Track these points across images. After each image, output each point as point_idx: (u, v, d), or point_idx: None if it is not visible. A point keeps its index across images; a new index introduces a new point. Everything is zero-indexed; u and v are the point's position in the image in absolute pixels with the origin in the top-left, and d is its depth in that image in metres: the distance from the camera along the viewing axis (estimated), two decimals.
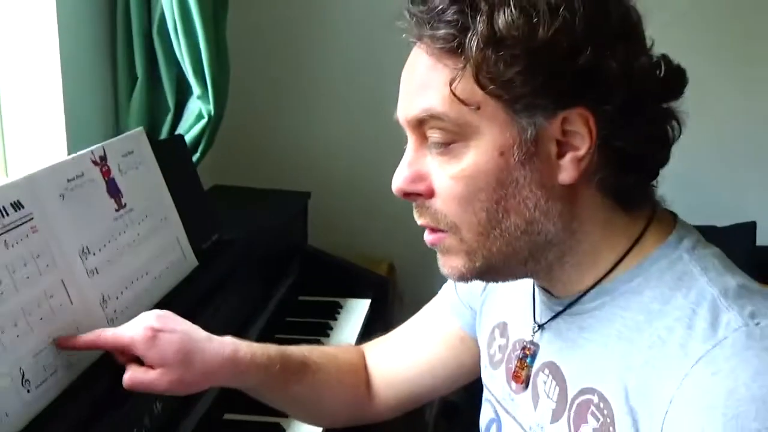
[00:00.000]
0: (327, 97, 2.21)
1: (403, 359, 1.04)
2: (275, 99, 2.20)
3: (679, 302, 0.68)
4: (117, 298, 1.01)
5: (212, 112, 1.61)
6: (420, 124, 0.72)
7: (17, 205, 0.86)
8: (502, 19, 0.65)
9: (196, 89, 1.60)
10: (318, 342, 1.53)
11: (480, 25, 0.66)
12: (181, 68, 1.61)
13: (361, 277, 1.86)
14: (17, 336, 0.82)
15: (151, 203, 1.16)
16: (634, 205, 0.74)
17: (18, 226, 0.86)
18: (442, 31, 0.68)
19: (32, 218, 0.88)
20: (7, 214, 0.84)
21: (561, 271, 0.75)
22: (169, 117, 1.66)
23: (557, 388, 0.77)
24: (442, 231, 0.73)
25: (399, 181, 0.74)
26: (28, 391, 0.81)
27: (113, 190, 1.07)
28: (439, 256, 0.77)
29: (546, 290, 0.80)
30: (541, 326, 0.81)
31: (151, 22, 1.60)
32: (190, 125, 1.64)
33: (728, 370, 0.62)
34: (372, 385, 1.05)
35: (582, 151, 0.68)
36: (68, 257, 0.93)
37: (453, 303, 1.01)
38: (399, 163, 0.75)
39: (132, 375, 0.84)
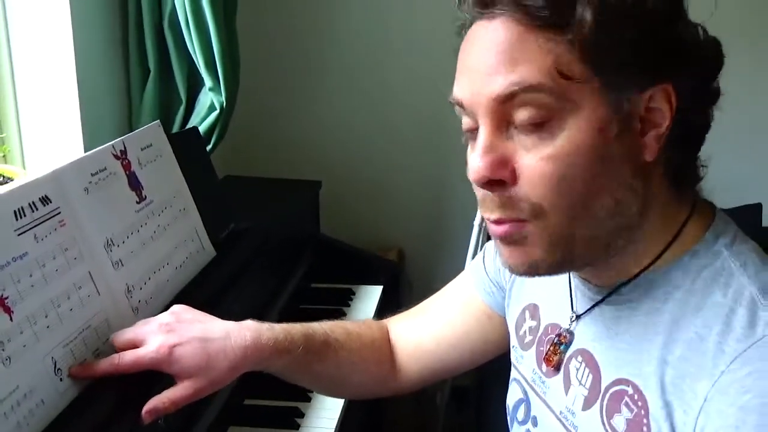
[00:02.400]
0: (335, 89, 2.23)
1: (429, 333, 1.04)
2: (285, 90, 2.23)
3: (718, 299, 0.68)
4: (140, 288, 1.03)
5: (224, 104, 1.63)
6: (505, 102, 0.67)
7: (45, 200, 0.88)
8: None
9: (207, 81, 1.62)
10: None
11: None
12: (193, 61, 1.63)
13: (372, 264, 1.89)
14: (47, 327, 0.83)
15: (169, 195, 1.18)
16: (685, 188, 0.74)
17: (47, 220, 0.88)
18: (543, 2, 0.65)
19: (60, 212, 0.90)
20: (36, 209, 0.86)
21: (617, 258, 0.73)
22: (182, 109, 1.68)
23: (590, 376, 0.76)
24: (521, 221, 0.69)
25: (481, 167, 0.68)
26: (61, 379, 0.84)
27: (134, 183, 1.09)
28: (505, 248, 0.72)
29: (584, 278, 0.79)
30: (578, 316, 0.80)
31: (162, 15, 1.62)
32: (203, 117, 1.67)
33: (765, 370, 0.62)
34: (397, 359, 1.06)
35: (663, 128, 0.68)
36: (94, 249, 0.95)
37: (482, 281, 1.02)
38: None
39: (160, 398, 0.83)
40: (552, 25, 0.65)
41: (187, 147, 1.34)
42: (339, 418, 1.29)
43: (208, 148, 1.66)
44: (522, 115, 0.66)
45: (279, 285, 1.62)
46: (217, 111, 1.64)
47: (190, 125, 1.66)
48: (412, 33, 2.13)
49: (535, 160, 0.67)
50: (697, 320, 0.68)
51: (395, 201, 2.29)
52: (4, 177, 1.29)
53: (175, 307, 0.93)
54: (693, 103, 0.70)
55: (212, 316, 0.93)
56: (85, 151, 1.50)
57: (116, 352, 0.89)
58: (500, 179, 0.68)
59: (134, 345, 0.87)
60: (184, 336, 0.86)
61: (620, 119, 0.67)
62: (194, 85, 1.69)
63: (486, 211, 0.71)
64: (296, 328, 0.96)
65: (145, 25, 1.61)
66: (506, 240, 0.71)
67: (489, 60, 0.67)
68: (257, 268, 1.44)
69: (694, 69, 0.69)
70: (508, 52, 0.66)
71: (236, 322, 0.92)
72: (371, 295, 1.79)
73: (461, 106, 0.71)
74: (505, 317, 0.98)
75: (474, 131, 0.71)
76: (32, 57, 1.48)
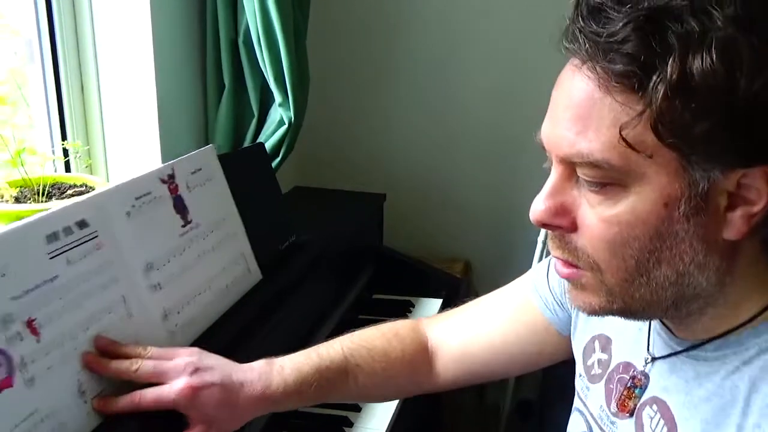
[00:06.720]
0: (402, 102, 2.26)
1: (476, 338, 1.02)
2: (353, 105, 2.28)
3: None
4: (178, 312, 1.06)
5: (292, 119, 1.68)
6: (572, 161, 0.65)
7: (82, 224, 0.92)
8: (698, 65, 0.57)
9: (277, 97, 1.67)
10: None
11: (670, 68, 0.57)
12: (265, 77, 1.69)
13: (432, 276, 1.90)
14: (74, 349, 0.87)
15: (217, 219, 1.21)
16: None
17: (82, 243, 0.91)
18: (619, 66, 0.59)
19: (97, 236, 0.93)
20: (72, 233, 0.90)
21: (697, 318, 0.70)
22: (253, 123, 1.74)
23: (665, 428, 0.73)
24: (580, 268, 0.68)
25: (540, 213, 0.68)
26: (86, 401, 0.87)
27: (180, 207, 1.12)
28: (570, 287, 0.72)
29: (666, 326, 0.76)
30: (654, 359, 0.77)
31: (237, 32, 1.68)
32: (272, 131, 1.72)
33: None
34: (436, 362, 1.04)
35: (758, 207, 0.62)
36: (131, 273, 0.98)
37: (545, 297, 0.99)
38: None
39: None
40: (627, 89, 0.60)
41: (251, 162, 1.38)
42: (388, 429, 1.32)
43: (277, 161, 1.71)
44: (586, 175, 0.65)
45: (340, 294, 1.66)
46: (286, 126, 1.69)
47: (260, 139, 1.73)
48: (480, 46, 2.13)
49: (595, 218, 0.65)
50: None
51: (462, 213, 2.29)
52: (86, 186, 1.38)
53: (194, 349, 0.94)
54: None
55: (230, 361, 0.94)
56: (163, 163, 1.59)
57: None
58: (558, 225, 0.68)
59: (157, 378, 0.89)
60: (206, 380, 0.89)
61: (693, 197, 0.61)
62: (266, 101, 1.75)
63: (550, 247, 0.72)
64: (310, 364, 0.96)
65: (222, 42, 1.68)
66: (567, 281, 0.72)
67: (565, 110, 0.65)
68: (317, 278, 1.48)
69: None
70: (582, 111, 0.63)
71: (250, 368, 0.94)
72: (431, 308, 1.81)
73: (542, 146, 0.70)
74: (565, 336, 0.96)
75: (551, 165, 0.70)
76: (117, 73, 1.57)
